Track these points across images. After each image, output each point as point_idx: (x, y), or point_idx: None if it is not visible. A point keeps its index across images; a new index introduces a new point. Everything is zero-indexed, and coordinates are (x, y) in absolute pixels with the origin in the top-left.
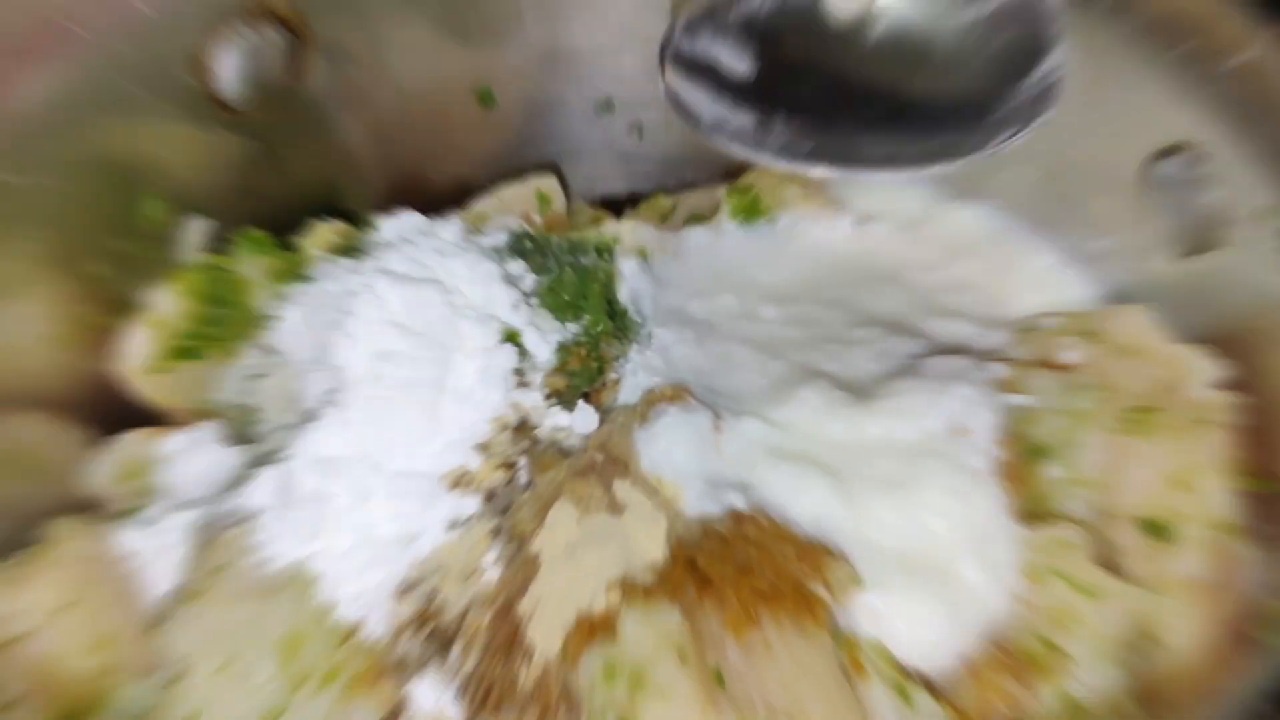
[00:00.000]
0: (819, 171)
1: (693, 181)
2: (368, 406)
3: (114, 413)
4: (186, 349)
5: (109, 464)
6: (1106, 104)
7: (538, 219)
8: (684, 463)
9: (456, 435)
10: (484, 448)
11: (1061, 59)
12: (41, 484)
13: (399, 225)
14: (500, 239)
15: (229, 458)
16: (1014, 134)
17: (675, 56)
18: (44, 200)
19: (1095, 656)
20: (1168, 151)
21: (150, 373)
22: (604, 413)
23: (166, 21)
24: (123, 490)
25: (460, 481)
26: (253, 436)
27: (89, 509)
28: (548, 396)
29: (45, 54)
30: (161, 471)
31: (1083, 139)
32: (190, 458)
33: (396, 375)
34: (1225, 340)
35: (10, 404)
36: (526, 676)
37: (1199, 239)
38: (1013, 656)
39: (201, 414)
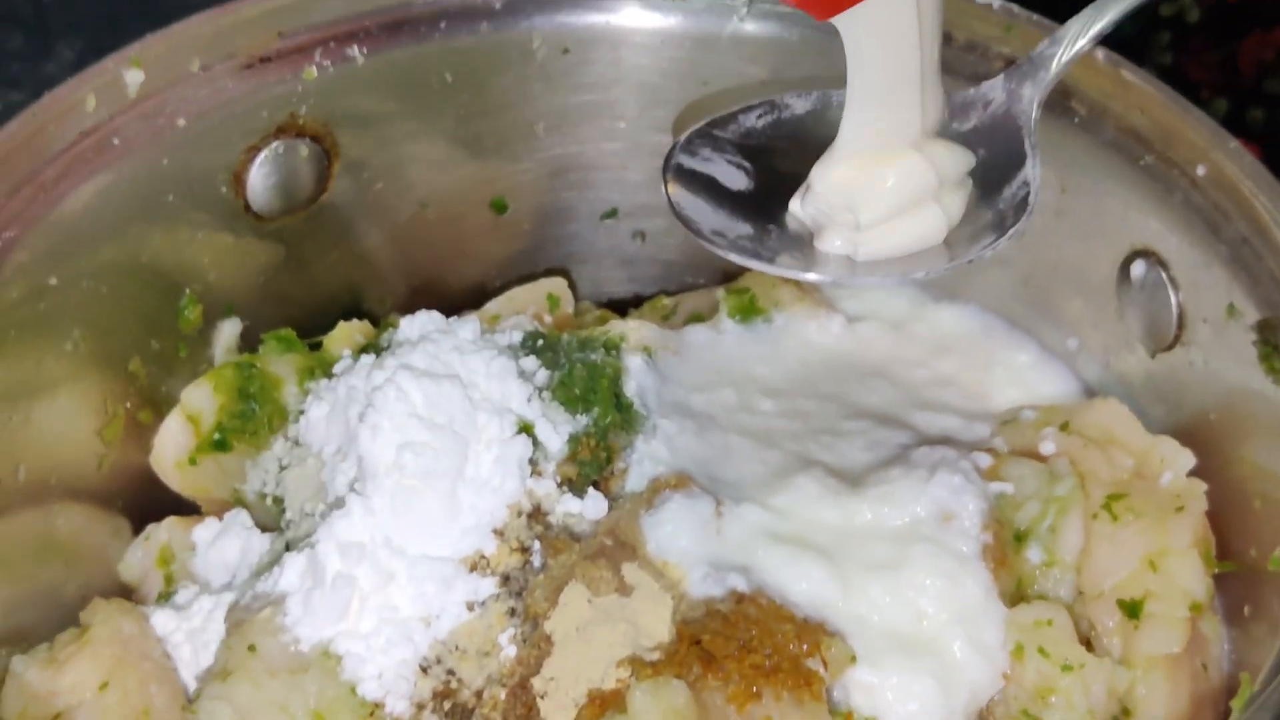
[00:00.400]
0: (811, 278)
1: (693, 284)
2: (391, 494)
3: (150, 502)
4: (219, 442)
5: (145, 551)
6: (1079, 211)
7: (548, 319)
8: (688, 547)
9: (474, 521)
10: (500, 533)
11: (1036, 172)
12: (81, 570)
13: (420, 324)
14: (514, 338)
15: (258, 544)
16: (992, 243)
17: (677, 170)
18: (88, 302)
19: None
20: (1137, 255)
21: (184, 464)
22: (613, 499)
23: (204, 137)
24: (158, 576)
25: (478, 565)
26: (280, 524)
27: (126, 594)
28: (560, 484)
29: (91, 166)
30: (194, 558)
31: (1058, 244)
32: (221, 545)
33: (418, 465)
34: (1193, 431)
35: (53, 495)
36: None
37: (1167, 337)
38: None
39: (232, 503)
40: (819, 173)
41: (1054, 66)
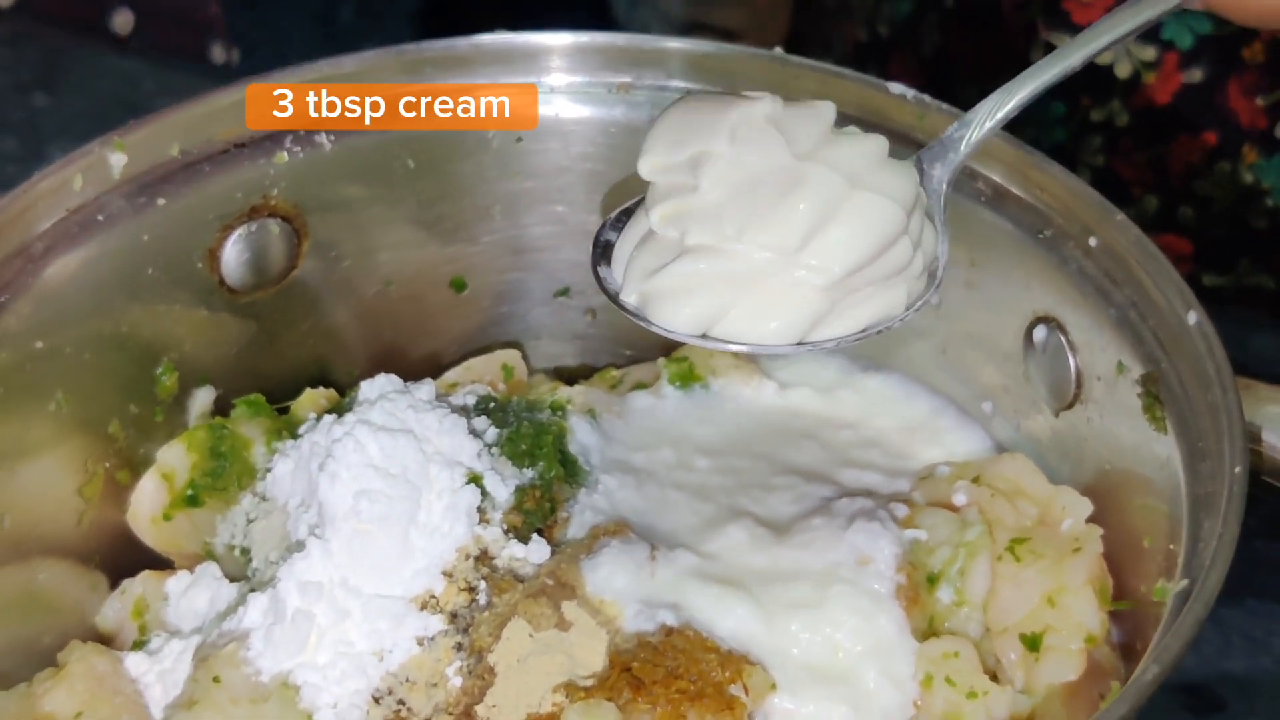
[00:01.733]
0: (732, 349)
1: (639, 357)
2: (348, 538)
3: (125, 559)
4: (191, 498)
5: (121, 604)
6: (988, 283)
7: (502, 387)
8: (623, 587)
9: (425, 563)
10: (449, 574)
11: (944, 248)
12: (60, 621)
13: (379, 386)
14: (469, 400)
15: (226, 593)
16: (902, 316)
17: (605, 247)
18: (72, 367)
19: None
20: (1039, 321)
21: (159, 520)
22: (555, 545)
23: (182, 216)
24: (132, 626)
25: (428, 603)
26: (248, 573)
27: (104, 643)
28: (506, 531)
29: (77, 240)
30: (166, 608)
31: (970, 314)
32: (192, 594)
33: (374, 511)
34: (1093, 481)
35: (35, 549)
36: None
37: (1067, 396)
38: None
39: (203, 556)
40: None
41: (963, 148)
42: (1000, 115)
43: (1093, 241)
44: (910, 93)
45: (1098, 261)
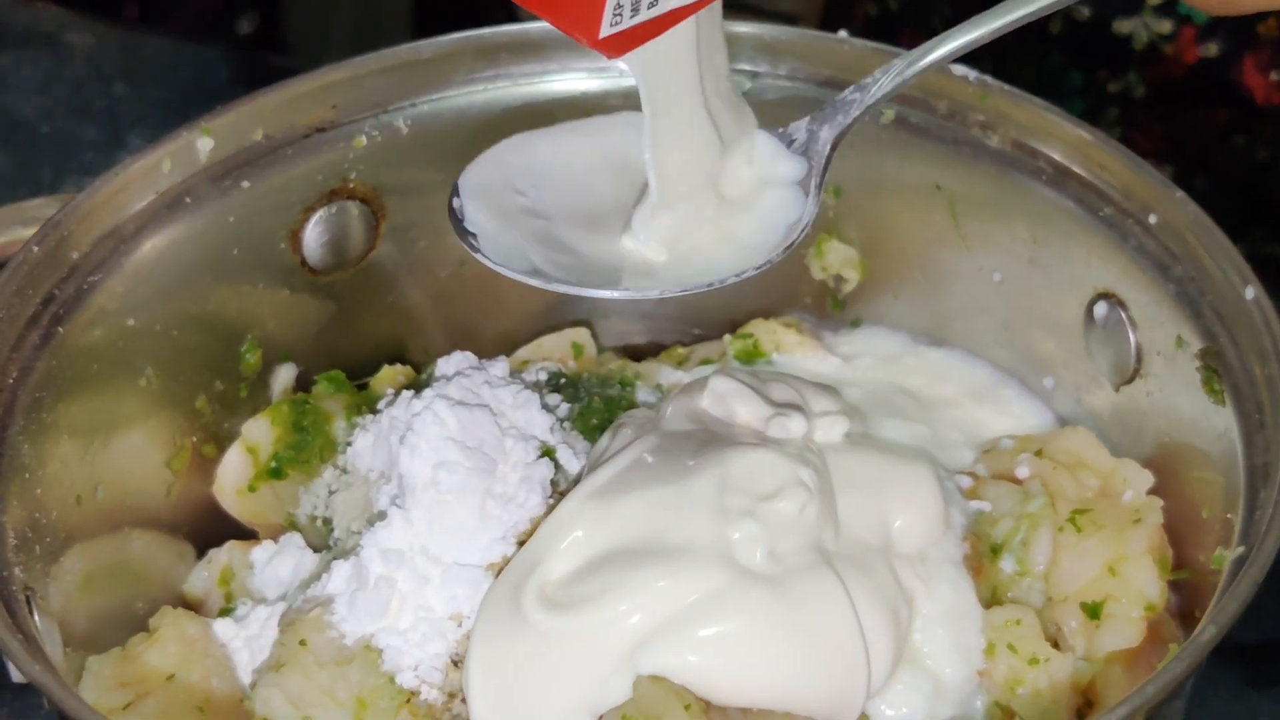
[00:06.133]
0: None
1: (705, 335)
2: (428, 507)
3: (211, 530)
4: (275, 470)
5: (208, 573)
6: (1049, 260)
7: (572, 364)
8: None
9: (501, 532)
10: (524, 543)
11: (811, 209)
12: (150, 589)
13: (455, 362)
14: (541, 376)
15: (309, 562)
16: (756, 268)
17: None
18: (161, 344)
19: (1043, 718)
20: (1100, 298)
21: (244, 492)
22: None
23: (266, 198)
24: (219, 594)
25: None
26: (329, 543)
27: (190, 609)
28: None
29: (166, 221)
30: (252, 576)
31: (1032, 290)
32: (276, 563)
33: (452, 481)
34: (1153, 454)
35: (126, 519)
36: None
37: (1128, 371)
38: None
39: (286, 527)
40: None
41: (854, 111)
42: (897, 82)
43: (1152, 219)
44: (972, 73)
45: (1157, 238)
